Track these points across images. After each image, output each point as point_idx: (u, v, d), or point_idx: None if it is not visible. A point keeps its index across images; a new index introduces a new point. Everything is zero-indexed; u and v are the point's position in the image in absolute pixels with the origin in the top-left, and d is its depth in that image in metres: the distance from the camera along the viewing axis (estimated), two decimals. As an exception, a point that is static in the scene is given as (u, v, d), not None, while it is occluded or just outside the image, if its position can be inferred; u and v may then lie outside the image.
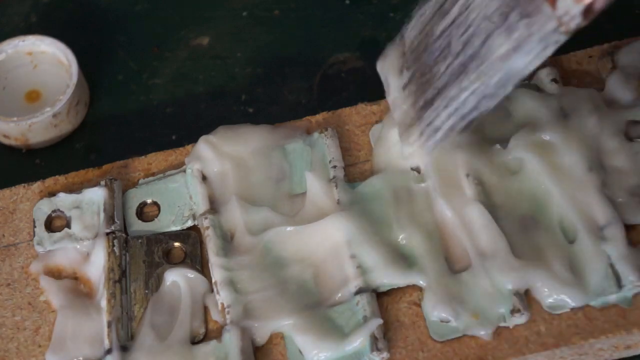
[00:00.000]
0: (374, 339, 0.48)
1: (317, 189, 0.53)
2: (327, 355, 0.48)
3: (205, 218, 0.53)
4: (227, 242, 0.52)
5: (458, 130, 0.49)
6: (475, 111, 0.48)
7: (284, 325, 0.49)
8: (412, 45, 0.50)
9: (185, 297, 0.51)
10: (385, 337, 0.49)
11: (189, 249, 0.53)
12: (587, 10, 0.42)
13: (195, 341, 0.50)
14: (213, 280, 0.51)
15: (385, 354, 0.48)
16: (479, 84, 0.46)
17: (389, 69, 0.52)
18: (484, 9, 0.46)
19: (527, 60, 0.45)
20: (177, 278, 0.52)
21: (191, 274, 0.52)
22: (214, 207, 0.53)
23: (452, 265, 0.50)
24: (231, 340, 0.49)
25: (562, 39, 0.43)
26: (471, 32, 0.46)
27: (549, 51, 0.44)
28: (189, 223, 0.54)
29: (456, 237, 0.51)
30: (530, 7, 0.44)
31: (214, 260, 0.51)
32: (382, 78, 0.53)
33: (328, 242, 0.51)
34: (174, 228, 0.54)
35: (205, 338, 0.50)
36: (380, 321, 0.49)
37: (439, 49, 0.48)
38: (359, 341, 0.48)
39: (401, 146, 0.52)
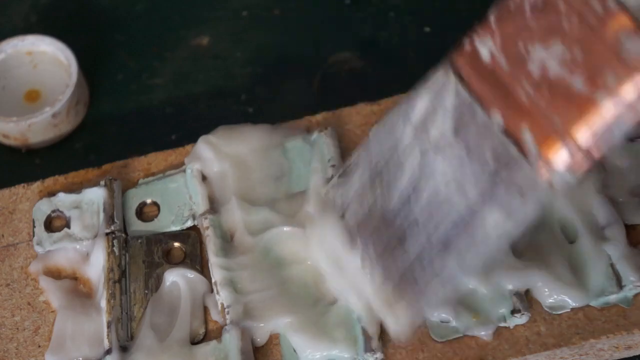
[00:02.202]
0: (367, 339, 0.48)
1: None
2: (321, 354, 0.48)
3: (205, 218, 0.53)
4: (227, 242, 0.52)
5: (452, 299, 0.47)
6: (465, 277, 0.46)
7: (283, 325, 0.49)
8: (357, 217, 0.47)
9: (185, 297, 0.51)
10: (382, 337, 0.48)
11: (189, 249, 0.53)
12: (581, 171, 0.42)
13: (195, 341, 0.50)
14: (213, 281, 0.51)
15: (379, 355, 0.48)
16: (471, 254, 0.44)
17: (335, 241, 0.48)
18: (452, 180, 0.44)
19: (522, 223, 0.43)
20: (176, 278, 0.52)
21: (191, 274, 0.52)
22: (213, 207, 0.53)
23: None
24: (231, 340, 0.49)
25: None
26: (443, 207, 0.44)
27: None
28: (189, 223, 0.54)
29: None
30: (519, 178, 0.42)
31: (214, 261, 0.51)
32: (323, 252, 0.49)
33: (327, 243, 0.51)
34: (173, 228, 0.54)
35: (205, 338, 0.50)
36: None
37: (407, 223, 0.45)
38: (353, 341, 0.48)
39: (385, 322, 0.48)
